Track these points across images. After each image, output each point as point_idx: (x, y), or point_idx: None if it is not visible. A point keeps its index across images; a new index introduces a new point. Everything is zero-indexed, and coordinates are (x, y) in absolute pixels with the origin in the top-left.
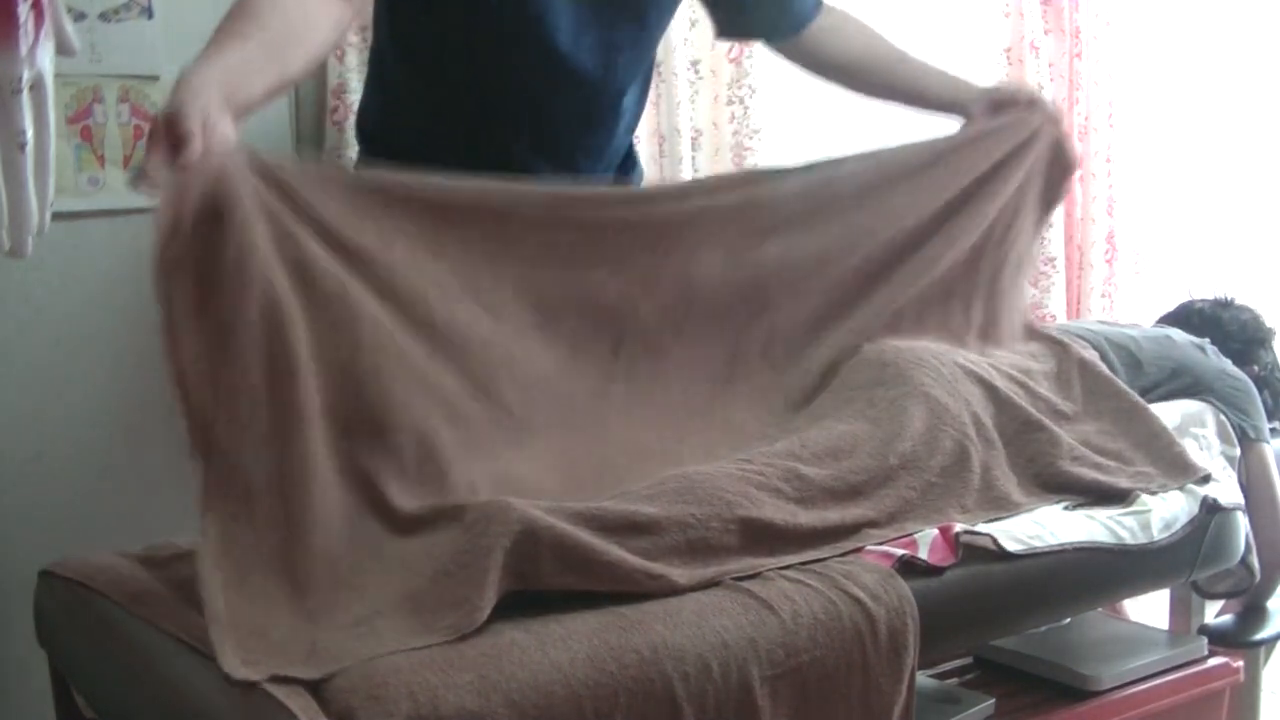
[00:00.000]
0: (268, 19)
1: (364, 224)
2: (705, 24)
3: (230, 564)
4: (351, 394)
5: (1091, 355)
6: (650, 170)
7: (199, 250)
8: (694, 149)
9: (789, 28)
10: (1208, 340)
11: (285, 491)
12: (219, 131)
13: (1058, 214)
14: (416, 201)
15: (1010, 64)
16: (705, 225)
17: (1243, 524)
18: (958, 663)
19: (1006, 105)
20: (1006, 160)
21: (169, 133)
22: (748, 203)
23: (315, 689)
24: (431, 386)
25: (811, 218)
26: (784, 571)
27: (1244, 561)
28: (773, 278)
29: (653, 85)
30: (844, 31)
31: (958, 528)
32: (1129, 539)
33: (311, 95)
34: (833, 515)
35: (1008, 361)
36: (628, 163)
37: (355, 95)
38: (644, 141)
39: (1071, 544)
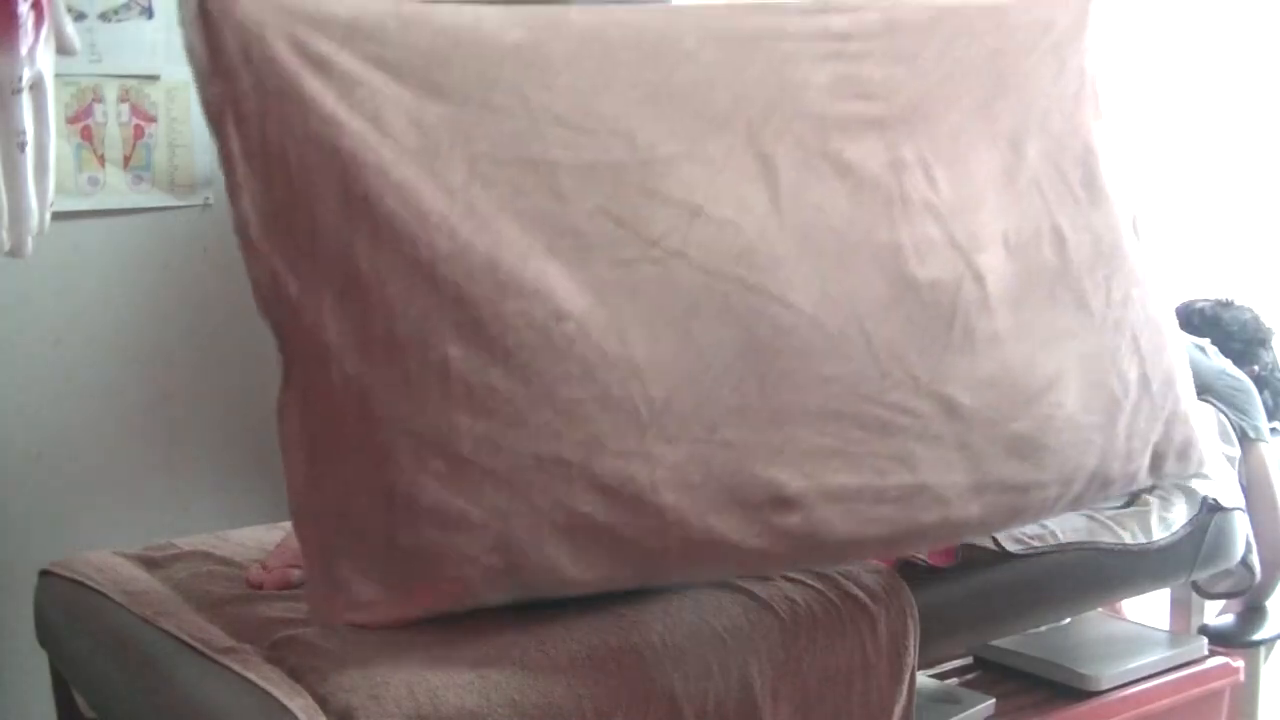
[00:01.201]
0: None
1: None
2: None
3: (308, 439)
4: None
5: None
6: None
7: (242, 89)
8: None
9: None
10: (1208, 340)
11: (364, 350)
12: None
13: None
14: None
15: None
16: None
17: (1243, 524)
18: (958, 663)
19: None
20: None
21: None
22: None
23: (316, 689)
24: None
25: None
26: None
27: (1244, 561)
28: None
29: None
30: None
31: None
32: (1129, 539)
33: None
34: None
35: None
36: None
37: None
38: None
39: (1071, 544)
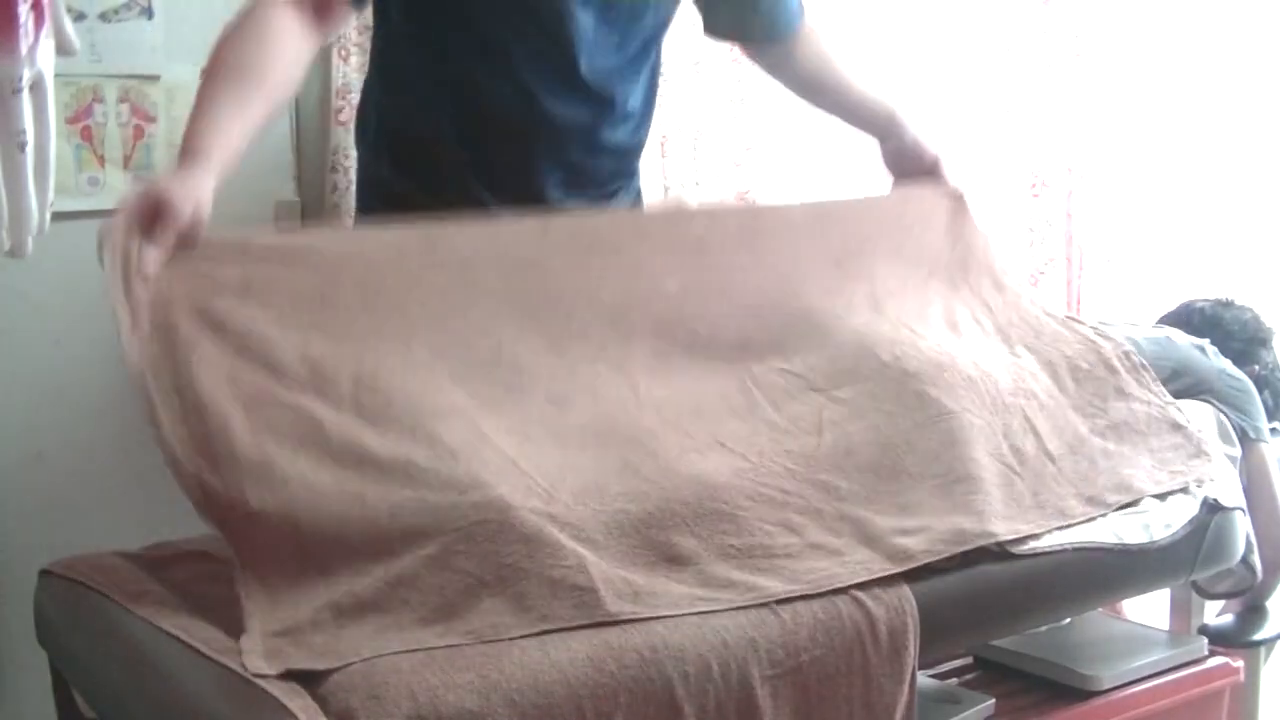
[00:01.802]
0: (254, 71)
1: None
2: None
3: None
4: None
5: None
6: (652, 170)
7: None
8: (696, 150)
9: (772, 35)
10: (1208, 340)
11: (289, 509)
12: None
13: (1058, 214)
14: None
15: (1010, 64)
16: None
17: (1243, 524)
18: (958, 663)
19: (910, 157)
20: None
21: (152, 211)
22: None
23: (316, 689)
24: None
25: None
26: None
27: (1245, 561)
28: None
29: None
30: (812, 48)
31: None
32: (1129, 539)
33: (315, 95)
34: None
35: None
36: (632, 176)
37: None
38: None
39: (1071, 544)
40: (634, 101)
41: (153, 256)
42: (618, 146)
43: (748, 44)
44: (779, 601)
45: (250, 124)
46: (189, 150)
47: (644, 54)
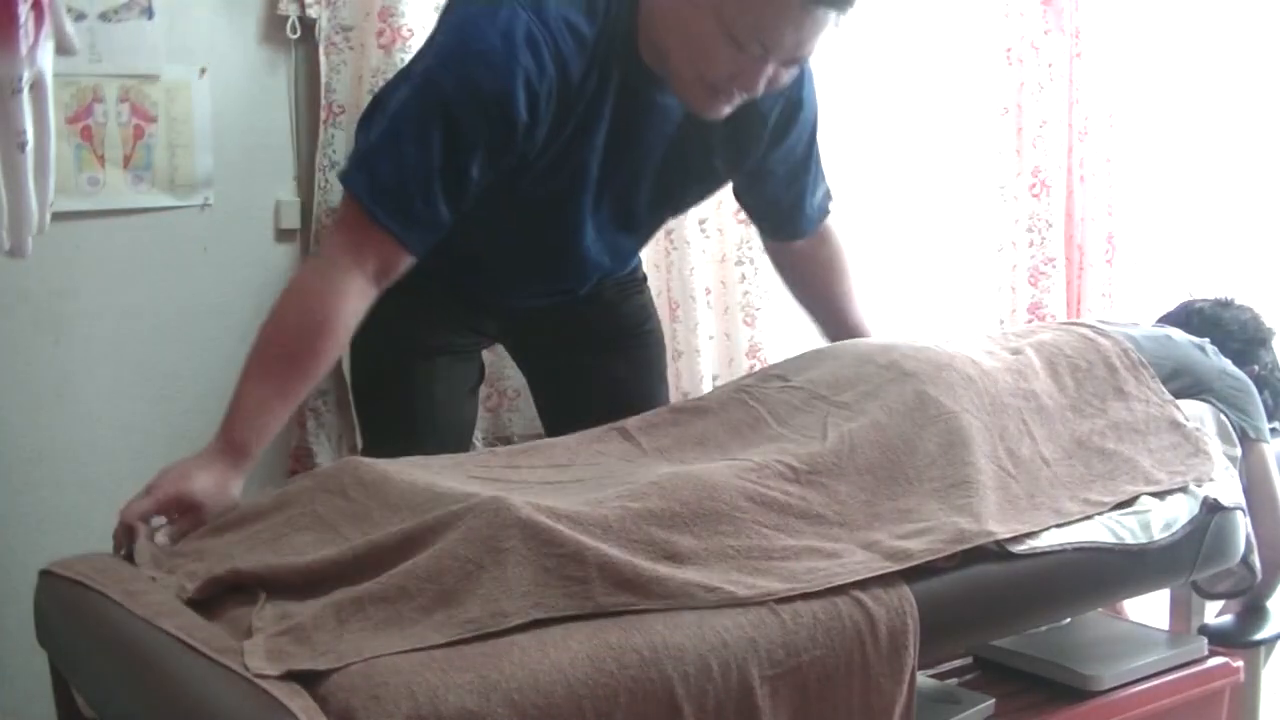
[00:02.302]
0: (307, 353)
1: None
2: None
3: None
4: None
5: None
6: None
7: None
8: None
9: (780, 235)
10: (1208, 340)
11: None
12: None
13: (1058, 214)
14: None
15: (1010, 64)
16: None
17: (1243, 524)
18: (958, 663)
19: None
20: None
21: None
22: None
23: (315, 689)
24: None
25: None
26: None
27: (1245, 561)
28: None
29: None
30: (820, 257)
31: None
32: (1129, 539)
33: (306, 94)
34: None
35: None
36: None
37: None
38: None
39: (1071, 544)
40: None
41: (168, 539)
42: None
43: (765, 233)
44: (779, 601)
45: (292, 407)
46: (233, 441)
47: (640, 245)
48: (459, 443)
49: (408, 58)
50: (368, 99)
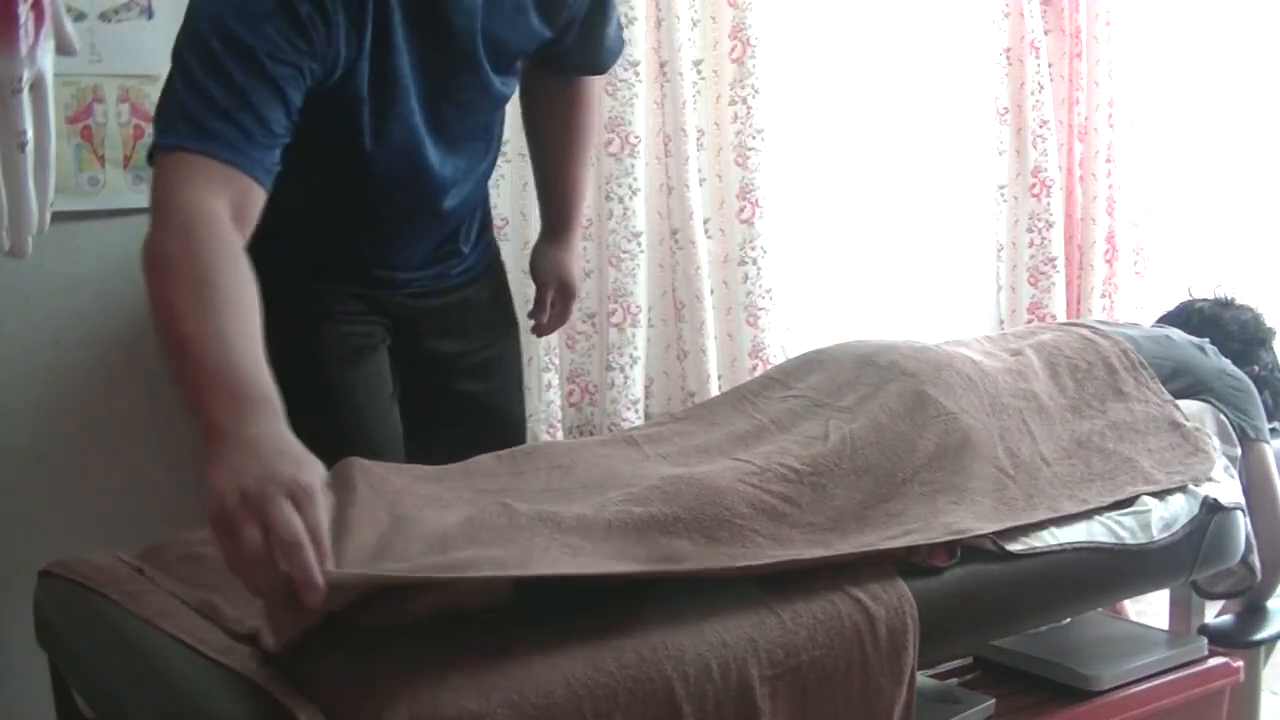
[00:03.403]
0: (244, 291)
1: None
2: (706, 24)
3: None
4: None
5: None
6: (655, 169)
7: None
8: (699, 148)
9: (558, 70)
10: (1208, 340)
11: None
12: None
13: (1058, 214)
14: None
15: (1010, 64)
16: None
17: (1243, 524)
18: (958, 663)
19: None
20: None
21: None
22: None
23: (316, 688)
24: None
25: None
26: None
27: (1245, 561)
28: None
29: (658, 85)
30: (571, 103)
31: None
32: (1129, 539)
33: None
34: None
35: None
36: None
37: None
38: (647, 140)
39: (1071, 544)
40: (483, 187)
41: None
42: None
43: (561, 74)
44: (778, 602)
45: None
46: (257, 399)
47: (491, 151)
48: (395, 452)
49: None
50: None
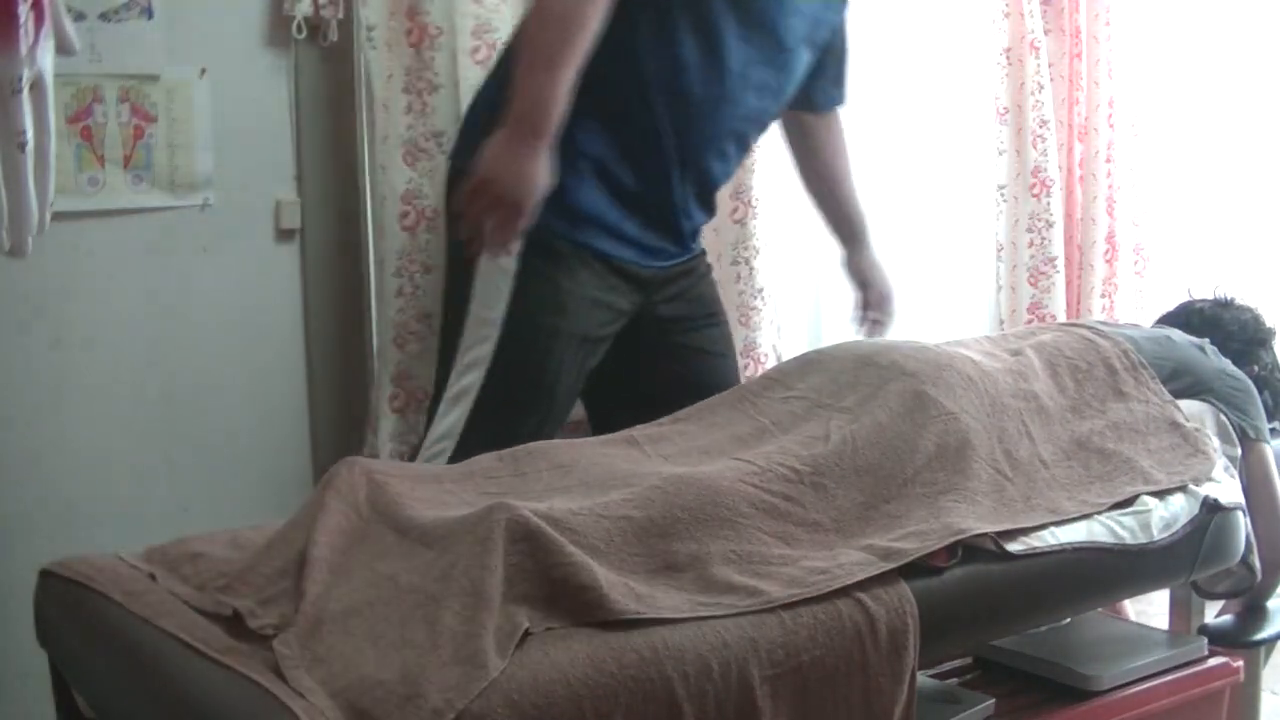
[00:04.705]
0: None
1: None
2: None
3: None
4: None
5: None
6: None
7: None
8: None
9: (810, 105)
10: (1208, 340)
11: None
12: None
13: (1058, 214)
14: None
15: (1010, 64)
16: None
17: (1243, 524)
18: (958, 663)
19: (872, 274)
20: None
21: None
22: None
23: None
24: None
25: None
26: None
27: (1244, 561)
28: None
29: None
30: (830, 134)
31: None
32: (1129, 539)
33: (320, 94)
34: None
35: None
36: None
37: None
38: None
39: (1071, 544)
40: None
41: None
42: (716, 189)
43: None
44: (779, 602)
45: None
46: (546, 130)
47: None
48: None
49: (437, 55)
50: (401, 97)
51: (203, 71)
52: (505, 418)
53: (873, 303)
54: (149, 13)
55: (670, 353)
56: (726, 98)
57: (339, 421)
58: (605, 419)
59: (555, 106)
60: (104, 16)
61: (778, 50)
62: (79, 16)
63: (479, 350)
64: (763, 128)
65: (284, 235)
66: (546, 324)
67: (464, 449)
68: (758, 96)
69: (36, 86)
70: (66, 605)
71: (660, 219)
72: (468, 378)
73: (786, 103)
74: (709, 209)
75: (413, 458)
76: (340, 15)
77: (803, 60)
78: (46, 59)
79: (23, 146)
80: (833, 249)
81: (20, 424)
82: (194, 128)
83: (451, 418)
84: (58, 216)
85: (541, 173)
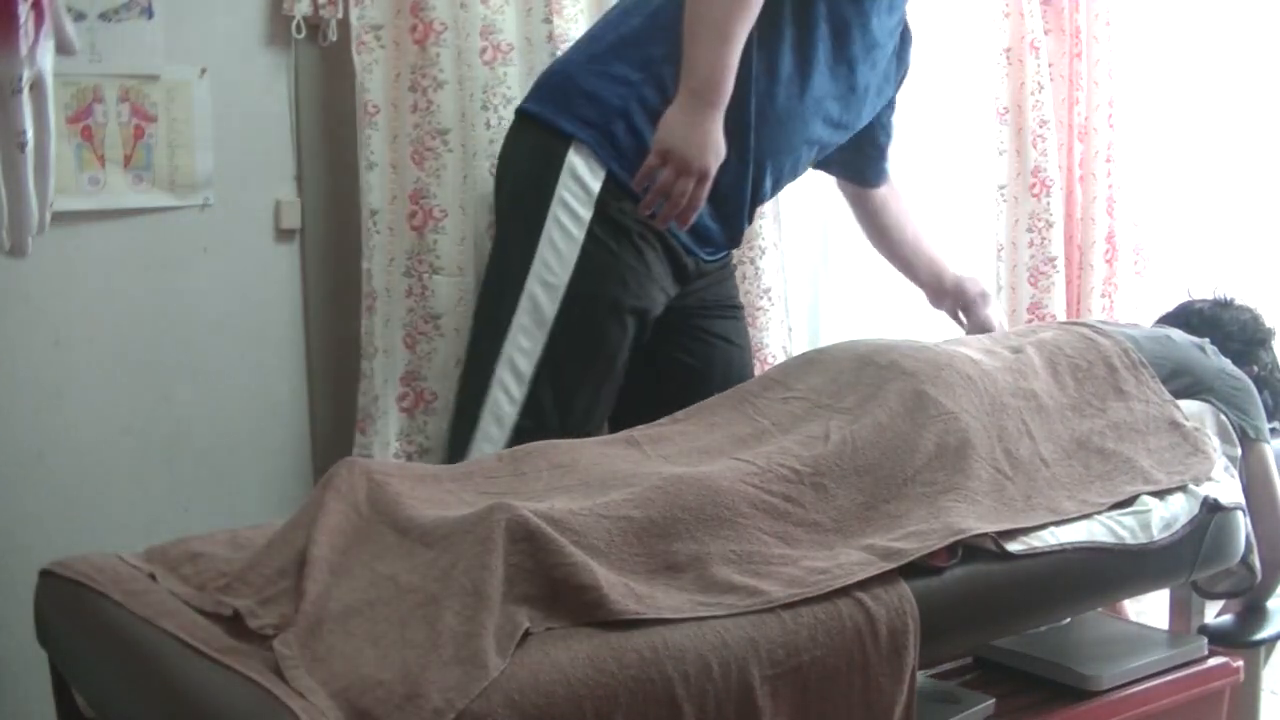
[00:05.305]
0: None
1: None
2: None
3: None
4: None
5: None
6: None
7: None
8: None
9: (871, 179)
10: (1208, 340)
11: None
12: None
13: (1058, 214)
14: None
15: (1010, 64)
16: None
17: (1243, 524)
18: (958, 663)
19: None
20: None
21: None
22: None
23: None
24: None
25: None
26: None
27: (1244, 561)
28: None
29: None
30: (895, 204)
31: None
32: (1129, 539)
33: (318, 94)
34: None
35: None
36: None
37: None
38: None
39: (1071, 544)
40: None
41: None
42: (764, 201)
43: (850, 180)
44: (779, 602)
45: None
46: (721, 100)
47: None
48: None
49: (443, 51)
50: (407, 96)
51: (203, 71)
52: (566, 384)
53: (979, 314)
54: (149, 13)
55: (693, 335)
56: (801, 116)
57: (339, 421)
58: (623, 402)
59: (729, 76)
60: (104, 16)
61: (850, 91)
62: (79, 16)
63: (538, 314)
64: (810, 159)
65: (284, 235)
66: (609, 295)
67: (530, 412)
68: (824, 126)
69: (36, 86)
70: (66, 605)
71: (725, 212)
72: (525, 341)
73: (836, 146)
74: (751, 218)
75: (421, 457)
76: (340, 15)
77: (865, 114)
78: (46, 59)
79: (23, 146)
80: (833, 249)
81: (20, 424)
82: (194, 128)
83: (509, 382)
84: (58, 216)
85: (721, 140)
